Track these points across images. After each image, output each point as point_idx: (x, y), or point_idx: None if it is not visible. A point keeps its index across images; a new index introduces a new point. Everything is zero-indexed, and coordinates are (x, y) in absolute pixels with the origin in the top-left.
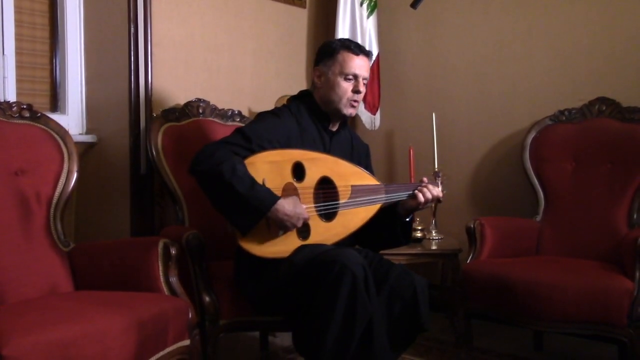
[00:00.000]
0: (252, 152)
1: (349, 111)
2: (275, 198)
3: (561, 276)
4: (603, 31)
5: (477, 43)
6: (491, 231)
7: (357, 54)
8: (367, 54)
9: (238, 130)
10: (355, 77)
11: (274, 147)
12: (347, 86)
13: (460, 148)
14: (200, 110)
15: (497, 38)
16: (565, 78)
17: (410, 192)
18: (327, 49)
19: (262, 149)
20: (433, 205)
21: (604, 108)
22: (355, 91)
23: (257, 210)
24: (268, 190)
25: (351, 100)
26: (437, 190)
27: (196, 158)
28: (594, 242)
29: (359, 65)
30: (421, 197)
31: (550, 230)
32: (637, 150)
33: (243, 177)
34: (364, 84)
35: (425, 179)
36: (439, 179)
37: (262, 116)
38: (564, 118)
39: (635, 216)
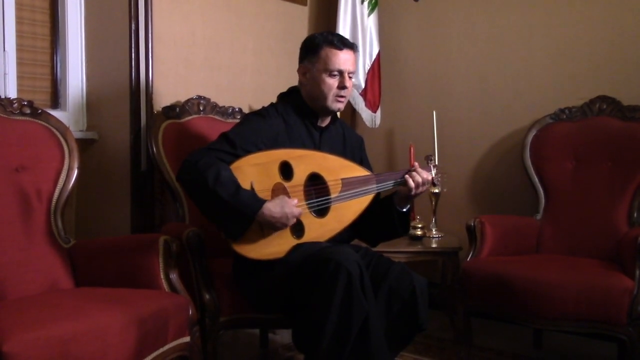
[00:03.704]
0: (237, 157)
1: (336, 106)
2: (260, 202)
3: (561, 274)
4: (604, 29)
5: (478, 41)
6: (491, 229)
7: (341, 49)
8: (352, 47)
9: (223, 135)
10: (340, 72)
11: (260, 150)
12: (332, 82)
13: (460, 146)
14: (201, 108)
15: (497, 36)
16: (565, 76)
17: (401, 179)
18: (309, 45)
19: (248, 152)
20: (433, 203)
21: (604, 107)
22: (341, 87)
23: (244, 216)
24: (253, 195)
25: (337, 96)
26: (427, 173)
27: (182, 167)
28: (594, 240)
29: (344, 60)
30: (411, 182)
31: (551, 228)
32: (638, 149)
33: (227, 183)
34: (349, 77)
35: (416, 164)
36: (431, 162)
37: (247, 118)
38: (564, 116)
39: (635, 215)
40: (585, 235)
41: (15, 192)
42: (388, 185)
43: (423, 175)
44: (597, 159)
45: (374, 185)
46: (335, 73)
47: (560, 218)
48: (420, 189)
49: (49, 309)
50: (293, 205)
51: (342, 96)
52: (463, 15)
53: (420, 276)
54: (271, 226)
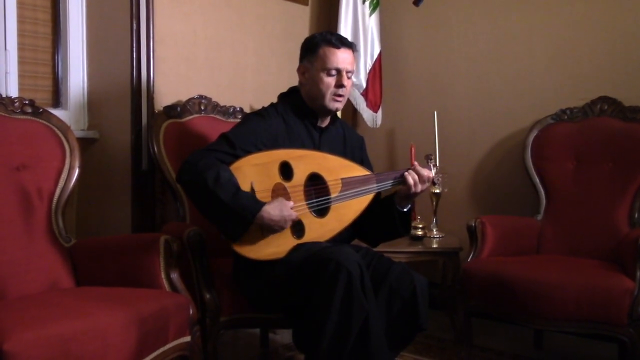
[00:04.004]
0: (237, 157)
1: (334, 106)
2: (259, 205)
3: (562, 275)
4: (605, 30)
5: (479, 41)
6: (492, 230)
7: (339, 47)
8: (350, 46)
9: (223, 136)
10: (338, 71)
11: (259, 150)
12: (330, 81)
13: (461, 146)
14: (202, 107)
15: (498, 36)
16: (567, 77)
17: (400, 176)
18: (309, 45)
19: (247, 153)
20: (434, 203)
21: (605, 107)
22: (339, 85)
23: (242, 218)
24: (252, 197)
25: (334, 95)
26: (427, 171)
27: (181, 168)
28: (595, 241)
29: (342, 59)
30: (410, 180)
31: (551, 229)
32: (639, 150)
33: (226, 185)
34: (348, 77)
35: (415, 163)
36: (431, 162)
37: (247, 118)
38: (565, 117)
39: (636, 215)
40: (586, 236)
41: (16, 191)
42: (388, 184)
43: (423, 173)
44: (598, 160)
45: (374, 185)
46: (333, 72)
47: (561, 219)
48: (420, 187)
49: (50, 308)
50: (290, 209)
51: (340, 95)
52: (464, 15)
53: (421, 276)
54: (269, 229)
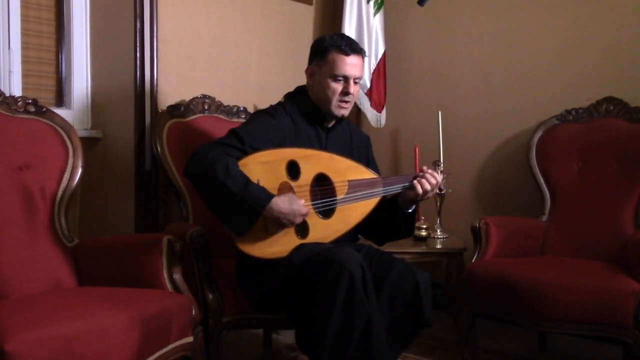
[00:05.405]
0: (245, 153)
1: (339, 112)
2: (269, 196)
3: (566, 276)
4: (611, 30)
5: (484, 42)
6: (496, 231)
7: (348, 54)
8: (360, 52)
9: (232, 131)
10: (346, 78)
11: (267, 148)
12: (336, 87)
13: (466, 147)
14: (206, 107)
15: (503, 37)
16: (572, 77)
17: (409, 183)
18: (318, 48)
19: (255, 150)
20: (438, 203)
21: (611, 108)
22: (345, 92)
23: (252, 209)
24: (262, 189)
25: (340, 102)
26: (435, 178)
27: (190, 160)
28: (600, 242)
29: (350, 66)
30: (419, 188)
31: (556, 230)
32: None
33: (236, 177)
34: (355, 83)
35: (425, 168)
36: (439, 167)
37: (256, 116)
38: (570, 117)
39: None
40: (591, 237)
41: (19, 190)
42: (396, 189)
43: (432, 181)
44: (604, 161)
45: (381, 189)
46: (340, 78)
47: (565, 220)
48: (429, 195)
49: (52, 308)
50: (301, 204)
51: (345, 101)
52: (469, 15)
53: (423, 272)
54: (277, 222)
